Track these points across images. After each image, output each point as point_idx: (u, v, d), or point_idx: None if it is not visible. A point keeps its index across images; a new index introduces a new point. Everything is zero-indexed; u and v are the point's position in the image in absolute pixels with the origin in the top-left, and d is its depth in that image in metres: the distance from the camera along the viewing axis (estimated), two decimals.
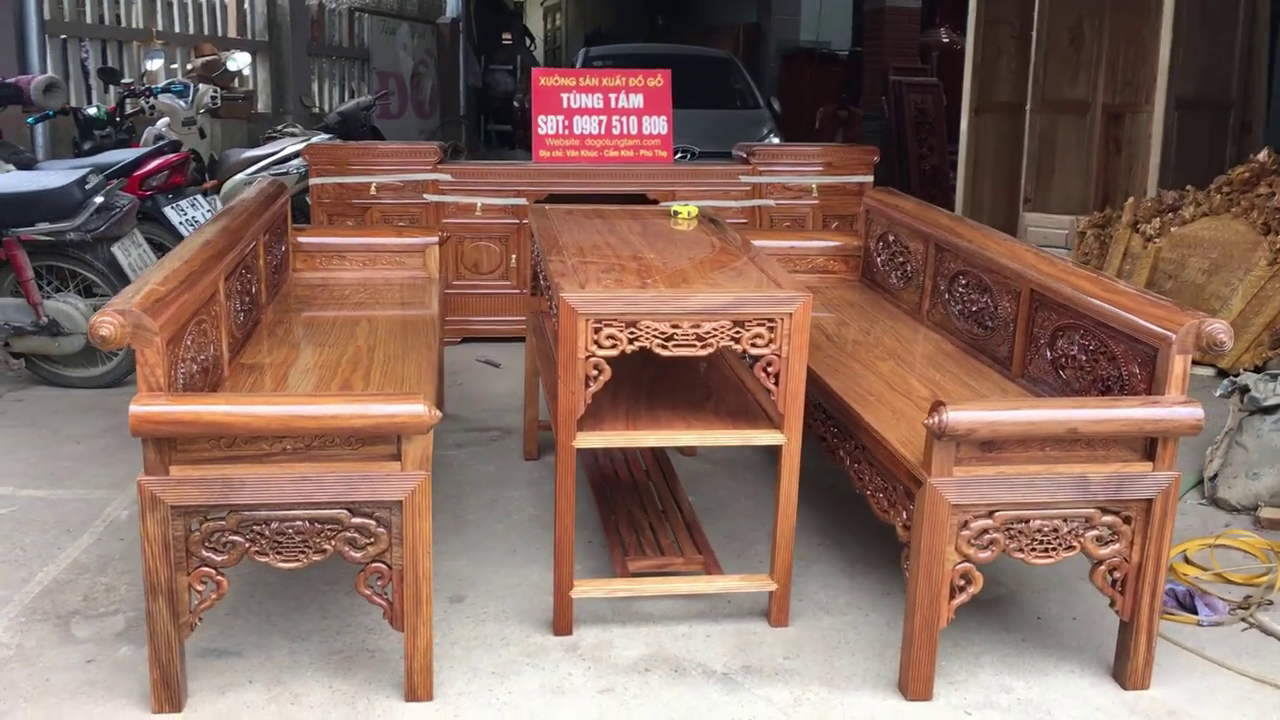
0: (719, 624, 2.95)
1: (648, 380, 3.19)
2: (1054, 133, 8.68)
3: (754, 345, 2.75)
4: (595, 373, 2.73)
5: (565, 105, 5.74)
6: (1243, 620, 3.01)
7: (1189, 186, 5.83)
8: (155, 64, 7.28)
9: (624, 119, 5.75)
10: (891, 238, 4.12)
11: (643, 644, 2.84)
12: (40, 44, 7.29)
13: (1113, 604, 2.67)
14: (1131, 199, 6.01)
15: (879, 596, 3.12)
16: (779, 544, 2.90)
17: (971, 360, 3.40)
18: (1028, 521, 2.57)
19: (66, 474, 3.87)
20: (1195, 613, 3.02)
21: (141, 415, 2.27)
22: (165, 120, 7.35)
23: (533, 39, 21.71)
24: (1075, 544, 2.60)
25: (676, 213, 3.71)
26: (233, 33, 9.74)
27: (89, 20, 8.01)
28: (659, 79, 5.82)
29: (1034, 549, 2.59)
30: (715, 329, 2.73)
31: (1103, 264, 5.91)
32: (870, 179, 5.67)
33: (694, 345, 2.74)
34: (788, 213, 5.68)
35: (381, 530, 2.47)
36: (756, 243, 4.29)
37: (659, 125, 5.77)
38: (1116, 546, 2.61)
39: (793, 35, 15.30)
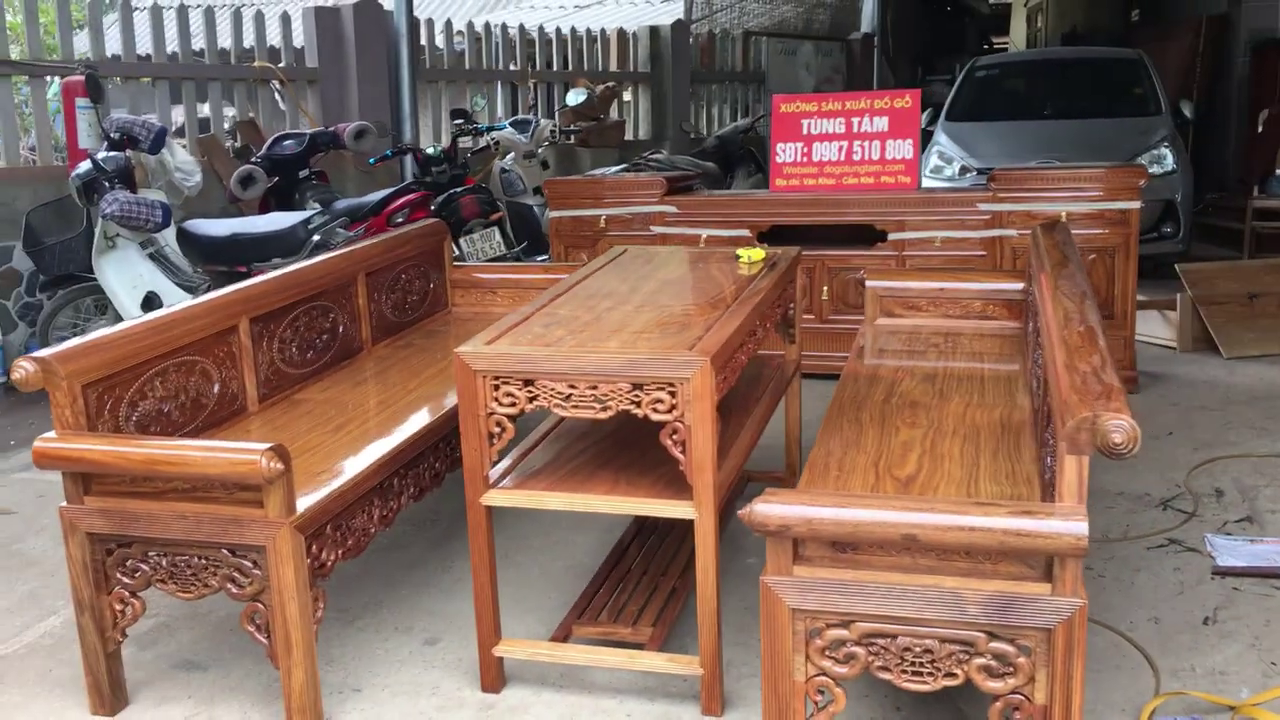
0: (651, 703, 2.76)
1: (642, 433, 3.04)
2: None
3: (655, 410, 2.55)
4: (498, 429, 2.67)
5: (805, 131, 5.52)
6: None
7: None
8: (481, 104, 7.92)
9: (866, 144, 5.42)
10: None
11: (555, 715, 2.73)
12: (412, 93, 8.18)
13: None
14: None
15: (855, 696, 2.74)
16: (703, 628, 2.65)
17: (1026, 437, 2.88)
18: (894, 638, 2.17)
19: None
20: None
21: (40, 450, 2.57)
22: (511, 155, 7.99)
23: (989, 44, 20.75)
24: (958, 671, 2.15)
25: (739, 256, 3.48)
26: (614, 66, 10.30)
27: (468, 66, 8.86)
28: (907, 99, 5.42)
29: (903, 671, 2.18)
30: (612, 390, 2.57)
31: None
32: (1135, 205, 4.89)
33: (593, 407, 2.60)
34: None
35: (257, 571, 2.59)
36: (905, 284, 3.95)
37: (904, 149, 5.37)
38: (1012, 681, 2.13)
39: (1269, 24, 13.32)
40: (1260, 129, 10.69)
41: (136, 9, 7.87)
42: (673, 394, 2.53)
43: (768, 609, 2.20)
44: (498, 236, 6.56)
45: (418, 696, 2.83)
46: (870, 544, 2.13)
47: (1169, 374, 5.35)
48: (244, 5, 9.26)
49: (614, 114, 10.02)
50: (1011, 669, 2.12)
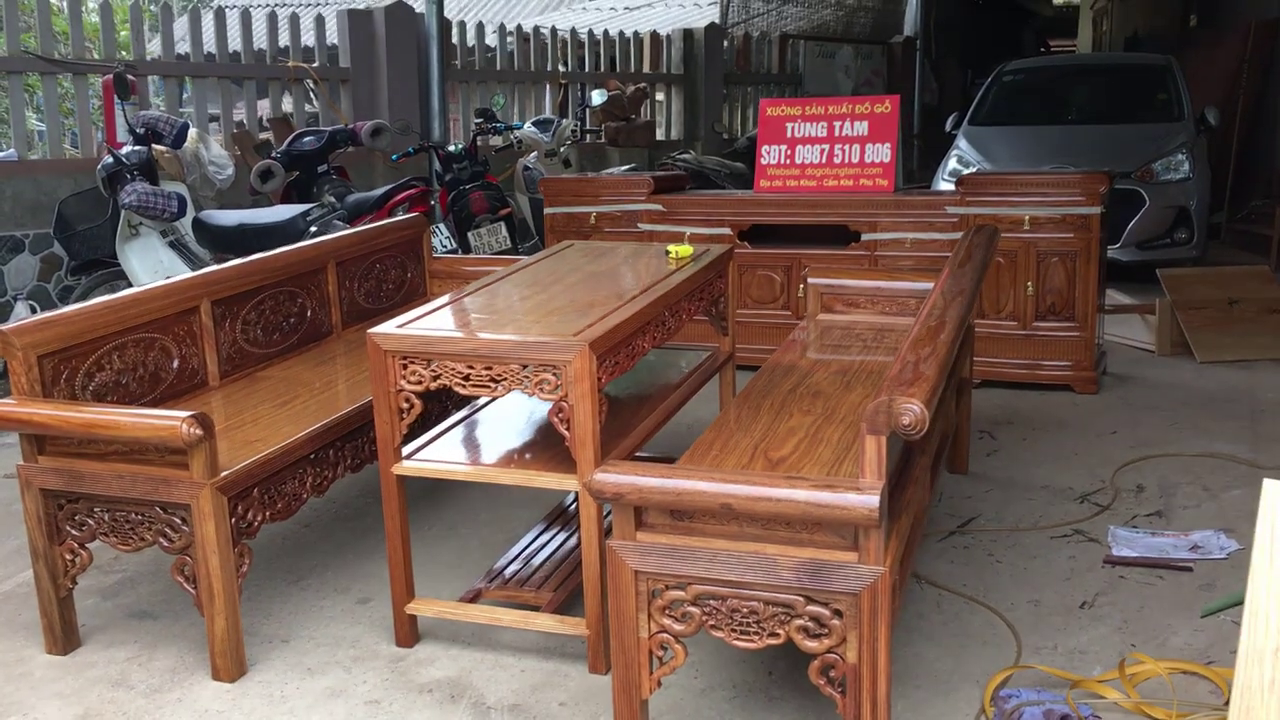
0: (546, 661, 3.00)
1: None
2: None
3: (541, 390, 2.79)
4: (407, 405, 2.92)
5: (789, 135, 5.71)
6: None
7: None
8: (501, 103, 8.19)
9: (846, 147, 5.59)
10: None
11: (457, 668, 2.98)
12: (441, 92, 8.48)
13: (838, 708, 2.37)
14: None
15: (735, 660, 2.95)
16: (588, 592, 2.88)
17: None
18: (724, 600, 2.38)
19: None
20: None
21: None
22: (534, 153, 8.28)
23: (1047, 47, 20.58)
24: (780, 632, 2.36)
25: (667, 252, 3.69)
26: (647, 68, 10.53)
27: (499, 67, 9.14)
28: (887, 105, 5.58)
29: (733, 630, 2.39)
30: (504, 371, 2.81)
31: None
32: (1096, 210, 5.00)
33: (489, 386, 2.84)
34: (997, 247, 5.18)
35: (185, 528, 2.87)
36: (845, 282, 4.12)
37: (882, 153, 5.54)
38: (827, 641, 2.33)
39: None
40: None
41: (178, 11, 8.27)
42: (557, 375, 2.77)
43: (614, 571, 2.42)
44: (504, 231, 6.85)
45: (338, 648, 3.10)
46: (698, 512, 2.35)
47: (1138, 376, 5.45)
48: (279, 6, 9.65)
49: (645, 114, 10.25)
50: (826, 630, 2.33)
